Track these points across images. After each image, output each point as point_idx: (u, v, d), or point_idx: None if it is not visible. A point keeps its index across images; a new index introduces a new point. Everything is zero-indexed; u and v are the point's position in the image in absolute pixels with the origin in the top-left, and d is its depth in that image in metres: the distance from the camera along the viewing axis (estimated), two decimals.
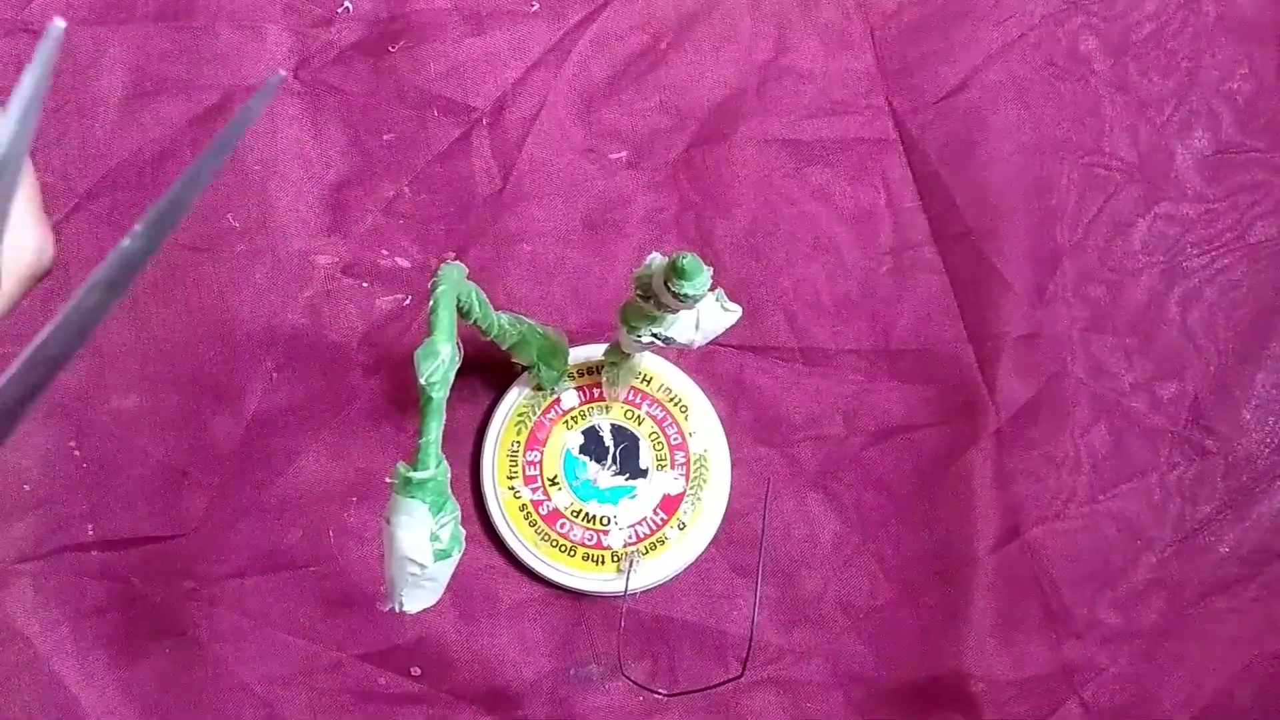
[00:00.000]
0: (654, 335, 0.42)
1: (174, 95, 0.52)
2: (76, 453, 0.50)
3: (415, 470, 0.35)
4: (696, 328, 0.42)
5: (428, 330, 0.36)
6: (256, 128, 0.52)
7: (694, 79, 0.54)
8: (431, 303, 0.37)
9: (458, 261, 0.40)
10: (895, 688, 0.50)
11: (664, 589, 0.50)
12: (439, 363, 0.35)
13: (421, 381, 0.35)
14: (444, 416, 0.35)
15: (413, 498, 0.35)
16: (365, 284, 0.52)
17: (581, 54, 0.54)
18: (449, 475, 0.36)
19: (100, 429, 0.50)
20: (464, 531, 0.36)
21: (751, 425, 0.52)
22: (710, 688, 0.47)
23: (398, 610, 0.36)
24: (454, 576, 0.48)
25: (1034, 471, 0.52)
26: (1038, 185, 0.54)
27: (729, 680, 0.47)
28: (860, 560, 0.51)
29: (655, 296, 0.40)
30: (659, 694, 0.49)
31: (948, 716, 0.50)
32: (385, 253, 0.52)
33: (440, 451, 0.35)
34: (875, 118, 0.54)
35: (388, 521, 0.35)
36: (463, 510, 0.47)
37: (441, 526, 0.36)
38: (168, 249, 0.51)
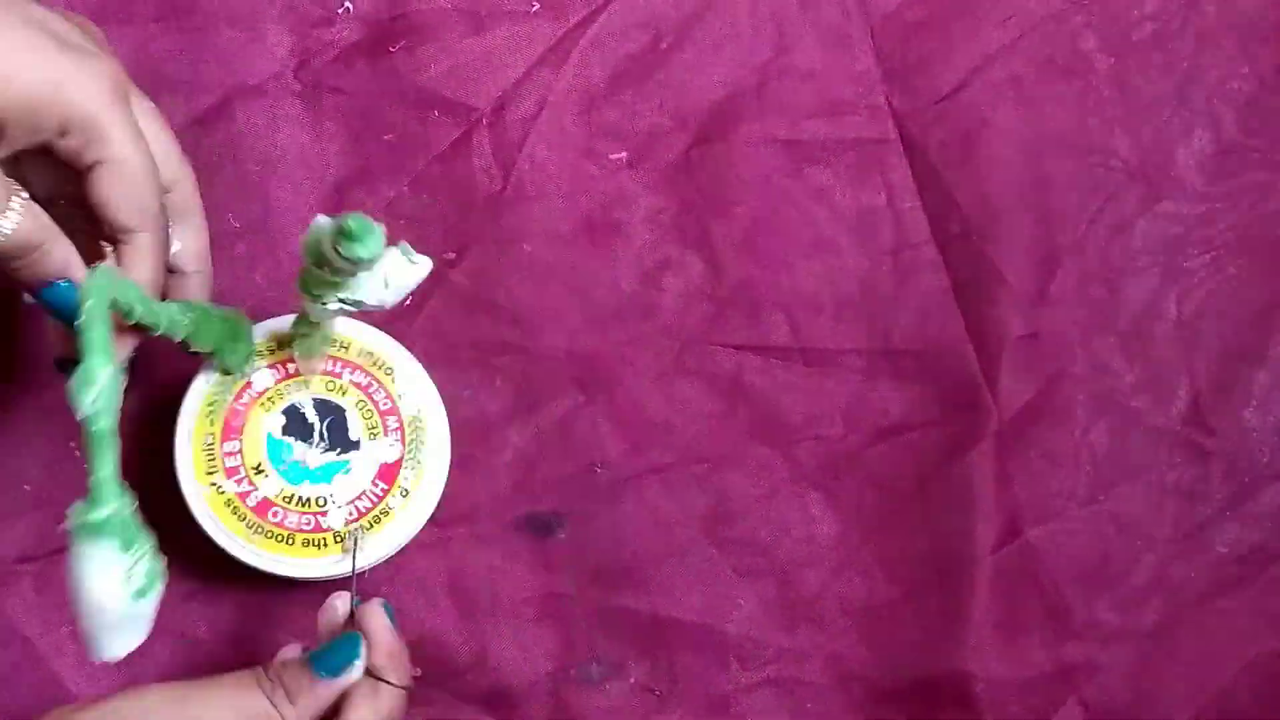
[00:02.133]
0: (342, 302, 0.40)
1: (174, 95, 0.52)
2: (77, 453, 0.50)
3: (92, 510, 0.32)
4: (385, 286, 0.40)
5: (81, 353, 0.32)
6: (257, 128, 0.52)
7: (694, 79, 0.54)
8: (81, 321, 0.33)
9: (107, 264, 0.36)
10: (895, 688, 0.50)
11: (664, 587, 0.50)
12: (99, 389, 0.32)
13: (81, 415, 0.32)
14: (118, 445, 0.32)
15: (96, 540, 0.32)
16: None
17: (582, 54, 0.54)
18: (134, 507, 0.33)
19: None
20: (164, 561, 0.34)
21: (751, 425, 0.52)
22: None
23: (100, 659, 0.33)
24: (452, 575, 0.48)
25: (1034, 471, 0.52)
26: (1038, 185, 0.54)
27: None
28: (860, 560, 0.51)
29: (329, 263, 0.38)
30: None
31: (948, 716, 0.50)
32: None
33: (120, 484, 0.33)
34: (875, 118, 0.54)
35: (70, 571, 0.32)
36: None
37: (136, 563, 0.33)
38: None
